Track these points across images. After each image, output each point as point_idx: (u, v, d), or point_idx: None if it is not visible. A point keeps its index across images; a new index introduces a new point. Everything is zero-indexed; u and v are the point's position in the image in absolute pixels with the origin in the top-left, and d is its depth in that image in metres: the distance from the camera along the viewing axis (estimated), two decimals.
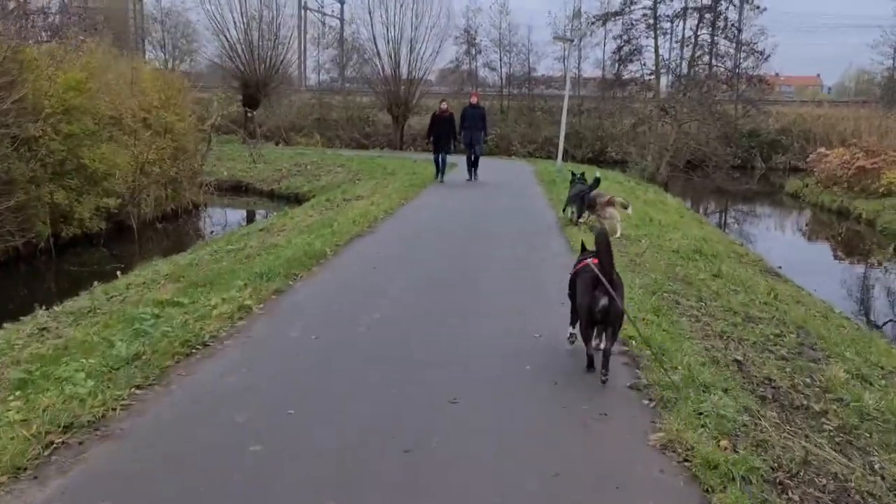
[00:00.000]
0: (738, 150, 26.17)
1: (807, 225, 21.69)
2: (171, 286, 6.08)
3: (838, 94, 60.07)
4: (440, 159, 16.26)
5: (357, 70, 41.67)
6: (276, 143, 32.52)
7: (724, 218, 22.28)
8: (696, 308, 6.42)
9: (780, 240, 18.28)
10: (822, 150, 26.03)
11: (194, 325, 4.48)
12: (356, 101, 42.07)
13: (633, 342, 4.69)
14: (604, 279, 3.96)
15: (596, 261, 4.13)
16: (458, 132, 16.01)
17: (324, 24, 48.62)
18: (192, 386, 3.73)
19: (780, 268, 11.71)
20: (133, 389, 3.49)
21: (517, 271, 7.34)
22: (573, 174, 11.41)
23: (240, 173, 23.28)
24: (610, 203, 10.51)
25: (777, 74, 26.93)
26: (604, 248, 4.07)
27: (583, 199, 10.64)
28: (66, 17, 20.67)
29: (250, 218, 18.39)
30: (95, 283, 8.29)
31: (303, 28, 46.87)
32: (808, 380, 4.80)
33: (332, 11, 47.56)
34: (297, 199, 20.09)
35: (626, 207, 10.74)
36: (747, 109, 26.05)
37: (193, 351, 4.19)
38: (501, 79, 42.67)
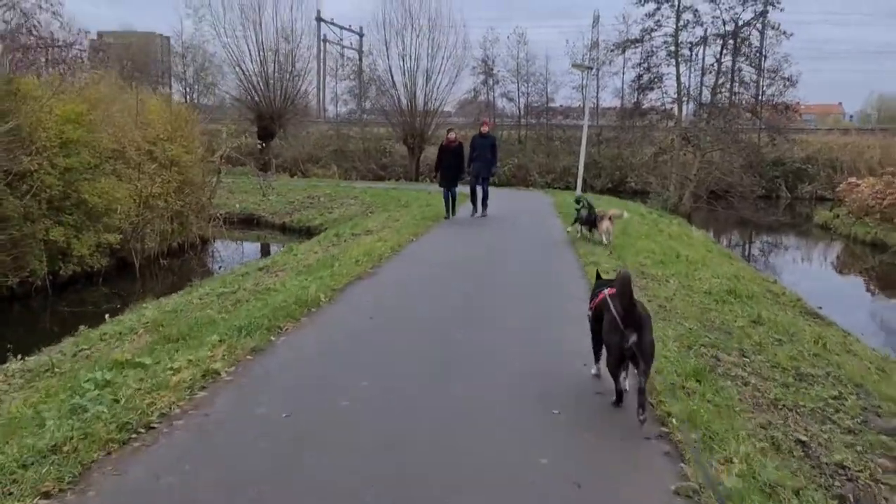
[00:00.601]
0: (762, 180, 25.21)
1: (839, 258, 20.64)
2: (144, 339, 5.39)
3: (861, 121, 59.01)
4: (448, 195, 14.68)
5: (374, 101, 41.39)
6: (292, 175, 32.19)
7: (750, 250, 21.32)
8: (739, 366, 5.59)
9: (814, 275, 17.29)
10: (853, 179, 25.09)
11: (142, 400, 3.70)
12: (373, 133, 41.85)
13: (673, 421, 3.87)
14: (617, 313, 3.98)
15: (612, 291, 4.14)
16: (468, 164, 14.55)
17: (342, 55, 48.59)
18: (113, 492, 2.95)
19: (821, 308, 10.81)
20: (37, 499, 2.71)
21: (534, 332, 6.07)
22: (577, 200, 13.24)
23: (252, 206, 22.81)
24: (603, 218, 11.87)
25: (799, 103, 25.97)
26: (623, 287, 3.99)
27: (590, 221, 12.14)
28: (93, 52, 20.56)
29: (264, 251, 17.83)
30: (82, 327, 7.67)
31: (321, 59, 47.00)
32: (886, 461, 3.96)
33: (351, 43, 47.55)
34: (308, 232, 19.56)
35: (620, 217, 12.51)
36: (773, 138, 25.18)
37: (133, 437, 3.37)
38: (519, 109, 42.27)
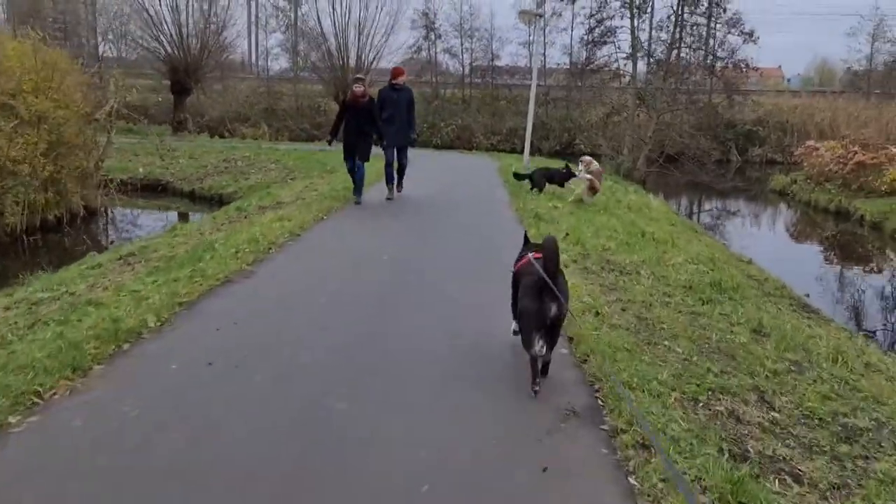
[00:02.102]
0: (717, 143, 23.71)
1: (801, 226, 19.31)
2: None
3: (803, 85, 58.56)
4: (355, 168, 10.74)
5: (305, 56, 38.31)
6: (213, 136, 29.27)
7: (707, 219, 19.76)
8: (769, 430, 3.71)
9: (781, 248, 15.74)
10: (811, 142, 23.79)
11: None
12: (307, 90, 38.86)
13: None
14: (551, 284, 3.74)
15: (538, 255, 4.00)
16: (378, 130, 10.67)
17: (276, 7, 44.89)
18: None
19: (808, 296, 9.25)
20: None
21: (462, 392, 3.87)
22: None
23: (158, 170, 20.08)
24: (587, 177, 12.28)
25: (748, 64, 24.31)
26: (551, 254, 3.87)
27: (549, 179, 12.96)
28: None
29: (183, 218, 15.33)
30: None
31: (251, 9, 43.46)
32: None
33: None
34: (219, 201, 17.13)
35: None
36: (730, 98, 23.64)
37: None
38: (463, 66, 39.87)
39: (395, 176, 11.49)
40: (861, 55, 40.27)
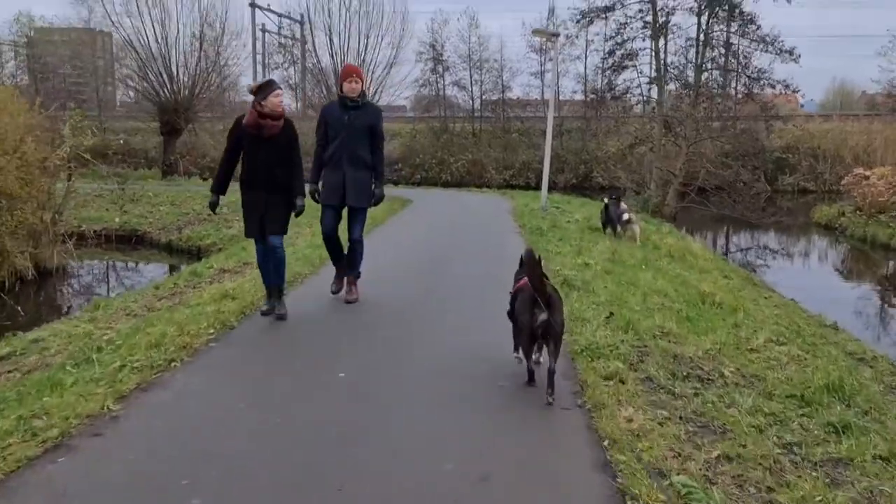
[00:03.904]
0: (758, 172, 21.41)
1: (864, 269, 16.79)
2: None
3: (823, 109, 56.20)
4: (268, 252, 5.89)
5: (311, 93, 36.60)
6: (204, 179, 27.43)
7: (759, 264, 17.29)
8: None
9: (854, 300, 12.99)
10: (861, 170, 21.43)
11: None
12: (311, 126, 37.11)
13: None
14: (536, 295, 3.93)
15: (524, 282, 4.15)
16: (316, 169, 6.34)
17: (282, 45, 43.28)
18: None
19: None
20: None
21: None
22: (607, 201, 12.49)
23: (136, 220, 18.15)
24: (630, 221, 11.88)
25: (787, 85, 21.98)
26: (531, 266, 4.04)
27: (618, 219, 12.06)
28: None
29: (174, 269, 13.21)
30: None
31: (255, 48, 41.95)
32: None
33: (292, 32, 42.48)
34: (197, 254, 15.06)
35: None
36: (768, 122, 21.37)
37: None
38: (472, 99, 38.02)
39: (347, 258, 6.56)
40: (894, 75, 37.84)
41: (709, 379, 4.80)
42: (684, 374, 4.78)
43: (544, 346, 4.08)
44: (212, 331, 5.25)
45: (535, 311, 3.91)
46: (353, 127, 6.13)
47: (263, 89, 5.52)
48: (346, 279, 6.59)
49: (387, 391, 4.20)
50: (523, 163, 33.89)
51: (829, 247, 19.97)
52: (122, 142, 23.56)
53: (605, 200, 12.59)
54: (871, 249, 17.98)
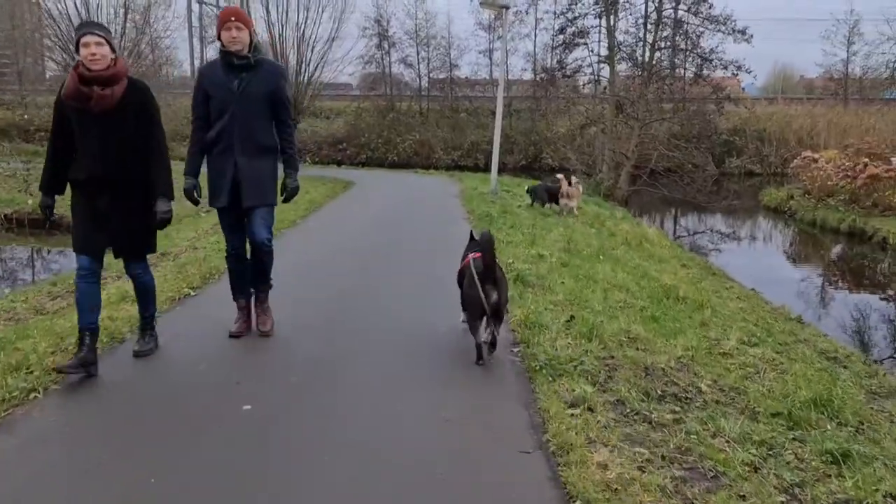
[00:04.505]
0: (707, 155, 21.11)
1: (816, 253, 16.55)
2: None
3: (766, 93, 56.98)
4: (87, 273, 4.01)
5: None
6: None
7: (711, 248, 16.91)
8: None
9: (809, 287, 12.65)
10: (809, 153, 21.30)
11: None
12: None
13: None
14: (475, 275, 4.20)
15: (478, 255, 4.30)
16: (195, 164, 4.53)
17: (216, 14, 41.26)
18: None
19: None
20: None
21: None
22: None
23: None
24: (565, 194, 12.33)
25: (740, 66, 21.64)
26: (488, 248, 4.21)
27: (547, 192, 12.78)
28: None
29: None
30: None
31: (191, 21, 39.88)
32: None
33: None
34: None
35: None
36: (719, 104, 21.10)
37: None
38: (420, 77, 36.97)
39: (251, 270, 4.81)
40: (837, 59, 38.40)
41: (686, 397, 4.10)
42: (659, 392, 4.08)
43: (491, 322, 4.26)
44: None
45: (487, 290, 4.13)
46: (245, 96, 4.30)
47: (80, 41, 3.72)
48: (253, 300, 4.84)
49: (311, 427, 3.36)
50: (472, 143, 33.10)
51: (779, 230, 19.81)
52: (25, 116, 21.74)
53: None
54: (820, 233, 17.82)
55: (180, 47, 49.03)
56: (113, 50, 3.80)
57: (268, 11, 24.42)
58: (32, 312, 5.92)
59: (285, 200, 4.71)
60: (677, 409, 3.82)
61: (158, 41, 34.81)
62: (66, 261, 13.31)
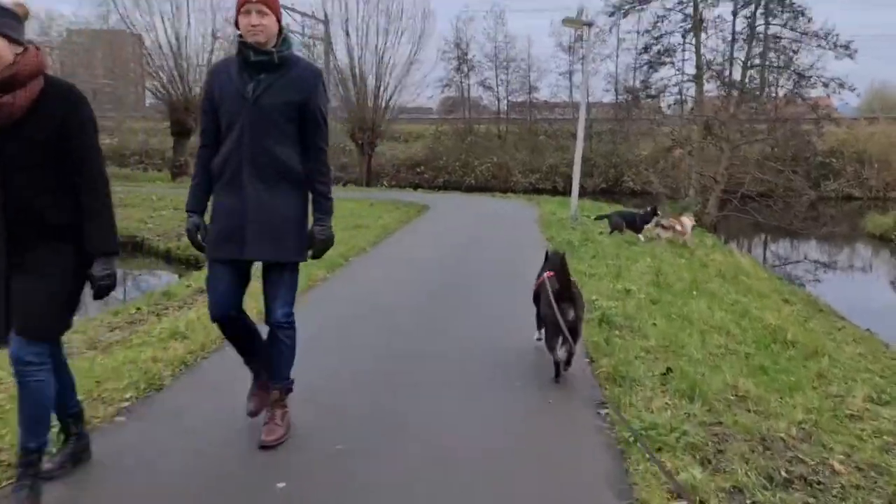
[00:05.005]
0: (808, 180, 19.59)
1: None
2: None
3: (863, 112, 53.62)
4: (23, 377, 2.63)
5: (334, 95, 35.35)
6: None
7: (811, 280, 15.55)
8: None
9: None
10: None
11: None
12: (333, 129, 35.92)
13: None
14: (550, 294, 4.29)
15: (552, 274, 4.44)
16: (201, 196, 3.37)
17: (305, 45, 42.00)
18: None
19: None
20: None
21: None
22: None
23: (136, 224, 17.11)
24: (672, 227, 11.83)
25: (843, 83, 19.99)
26: (559, 267, 4.34)
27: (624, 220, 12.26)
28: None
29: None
30: None
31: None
32: None
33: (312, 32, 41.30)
34: (196, 264, 13.87)
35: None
36: (819, 124, 19.65)
37: None
38: (499, 100, 36.60)
39: (268, 353, 3.51)
40: None
41: (818, 481, 3.34)
42: (784, 473, 3.33)
43: (568, 339, 4.19)
44: (130, 394, 3.91)
45: (564, 308, 4.15)
46: (261, 105, 3.13)
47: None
48: (266, 393, 3.53)
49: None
50: (550, 166, 32.43)
51: (885, 260, 18.18)
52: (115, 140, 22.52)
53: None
54: None
55: None
56: (16, 42, 2.56)
57: (347, 34, 24.64)
58: (88, 346, 5.64)
59: (314, 256, 3.40)
60: (811, 500, 3.08)
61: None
62: (136, 284, 13.45)
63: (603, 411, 3.82)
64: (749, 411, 4.15)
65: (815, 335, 6.75)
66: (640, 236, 11.92)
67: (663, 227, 11.77)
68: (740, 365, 5.17)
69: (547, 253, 5.20)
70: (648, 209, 12.44)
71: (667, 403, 3.96)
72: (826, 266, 17.58)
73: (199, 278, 8.94)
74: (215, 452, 3.30)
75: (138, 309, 7.08)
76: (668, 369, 4.52)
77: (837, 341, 7.30)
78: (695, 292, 7.71)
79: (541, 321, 4.69)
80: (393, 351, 5.04)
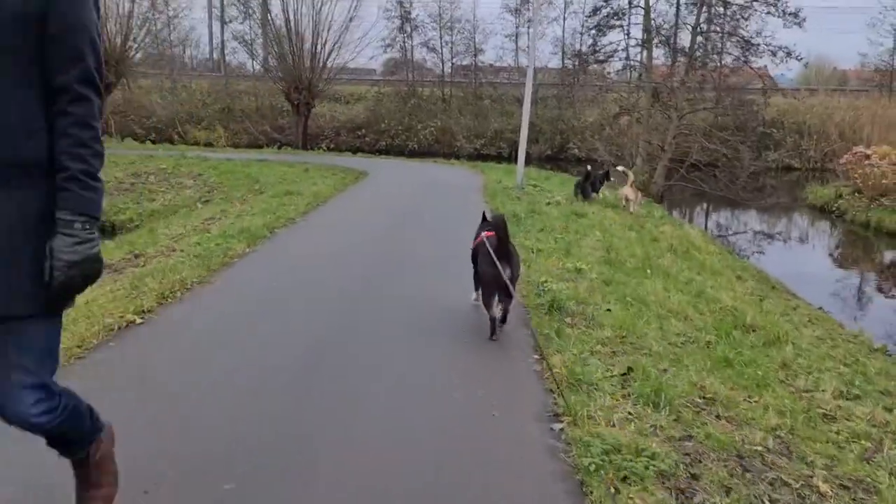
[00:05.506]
0: (754, 149, 19.43)
1: (877, 262, 14.92)
2: None
3: (796, 84, 54.48)
4: None
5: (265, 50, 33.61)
6: (158, 141, 24.98)
7: (754, 252, 15.38)
8: None
9: (880, 306, 11.14)
10: (861, 148, 19.65)
11: None
12: (269, 88, 34.29)
13: None
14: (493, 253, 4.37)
15: (491, 234, 4.48)
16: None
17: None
18: None
19: None
20: None
21: None
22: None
23: None
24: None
25: (790, 52, 19.69)
26: (500, 227, 4.39)
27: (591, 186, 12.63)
28: None
29: None
30: None
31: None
32: None
33: None
34: (111, 231, 12.82)
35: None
36: (766, 93, 19.35)
37: None
38: (443, 62, 35.53)
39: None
40: (882, 49, 36.32)
41: None
42: (767, 502, 2.80)
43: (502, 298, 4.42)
44: None
45: (501, 266, 4.27)
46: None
47: None
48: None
49: None
50: (495, 131, 31.73)
51: (827, 232, 18.27)
52: None
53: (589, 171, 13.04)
54: (874, 236, 16.29)
55: (200, 26, 47.87)
56: None
57: None
58: None
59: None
60: None
61: (175, 21, 33.93)
62: None
63: (557, 426, 3.21)
64: (719, 418, 3.63)
65: (774, 318, 6.33)
66: (596, 195, 12.72)
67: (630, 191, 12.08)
68: (702, 357, 4.66)
69: (484, 213, 5.28)
70: (600, 172, 13.19)
71: (630, 413, 3.38)
72: (769, 237, 17.52)
73: (109, 249, 7.98)
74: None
75: None
76: (629, 368, 3.94)
77: (795, 323, 6.93)
78: (648, 271, 7.21)
79: (478, 281, 4.85)
80: (307, 344, 4.31)
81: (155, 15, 26.08)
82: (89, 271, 1.82)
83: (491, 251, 4.34)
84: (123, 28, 22.44)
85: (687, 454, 3.07)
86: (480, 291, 4.69)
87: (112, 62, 21.85)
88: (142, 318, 4.50)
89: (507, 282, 4.26)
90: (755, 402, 4.01)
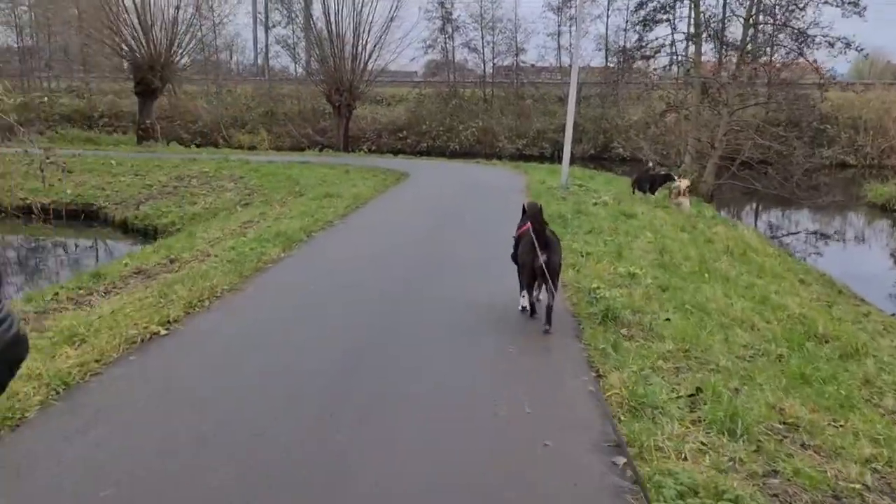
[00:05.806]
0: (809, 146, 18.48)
1: None
2: None
3: (852, 78, 52.29)
4: None
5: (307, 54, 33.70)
6: (202, 145, 25.15)
7: (815, 254, 14.56)
8: None
9: None
10: None
11: None
12: (312, 91, 34.36)
13: None
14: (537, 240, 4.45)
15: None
16: None
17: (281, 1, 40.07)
18: None
19: None
20: None
21: None
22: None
23: (92, 192, 15.81)
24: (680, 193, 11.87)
25: (849, 43, 18.59)
26: (534, 216, 4.58)
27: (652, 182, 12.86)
28: None
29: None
30: None
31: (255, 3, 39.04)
32: None
33: None
34: (154, 234, 12.86)
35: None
36: (823, 87, 18.45)
37: None
38: (484, 62, 35.10)
39: None
40: None
41: None
42: None
43: (543, 284, 4.52)
44: None
45: (538, 252, 4.41)
46: None
47: None
48: None
49: None
50: (537, 131, 31.22)
51: (889, 231, 17.32)
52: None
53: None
54: None
55: (244, 32, 48.47)
56: None
57: None
58: None
59: None
60: None
61: (220, 27, 34.23)
62: (82, 257, 12.33)
63: (619, 460, 2.81)
64: (805, 447, 3.18)
65: (848, 327, 5.80)
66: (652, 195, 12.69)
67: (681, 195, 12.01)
68: (776, 373, 4.20)
69: (524, 206, 5.19)
70: (661, 173, 13.46)
71: (703, 443, 2.96)
72: (825, 237, 16.65)
73: (147, 253, 7.84)
74: None
75: (55, 295, 5.97)
76: (698, 389, 3.52)
77: (869, 332, 6.36)
78: (706, 274, 6.72)
79: (519, 265, 4.88)
80: (345, 348, 4.00)
81: (200, 21, 26.13)
82: (10, 356, 1.40)
83: (534, 238, 4.44)
84: (169, 34, 22.58)
85: (775, 495, 2.65)
86: (520, 280, 4.84)
87: (158, 68, 22.02)
88: (167, 329, 4.25)
89: (543, 265, 4.38)
90: (841, 426, 3.55)
